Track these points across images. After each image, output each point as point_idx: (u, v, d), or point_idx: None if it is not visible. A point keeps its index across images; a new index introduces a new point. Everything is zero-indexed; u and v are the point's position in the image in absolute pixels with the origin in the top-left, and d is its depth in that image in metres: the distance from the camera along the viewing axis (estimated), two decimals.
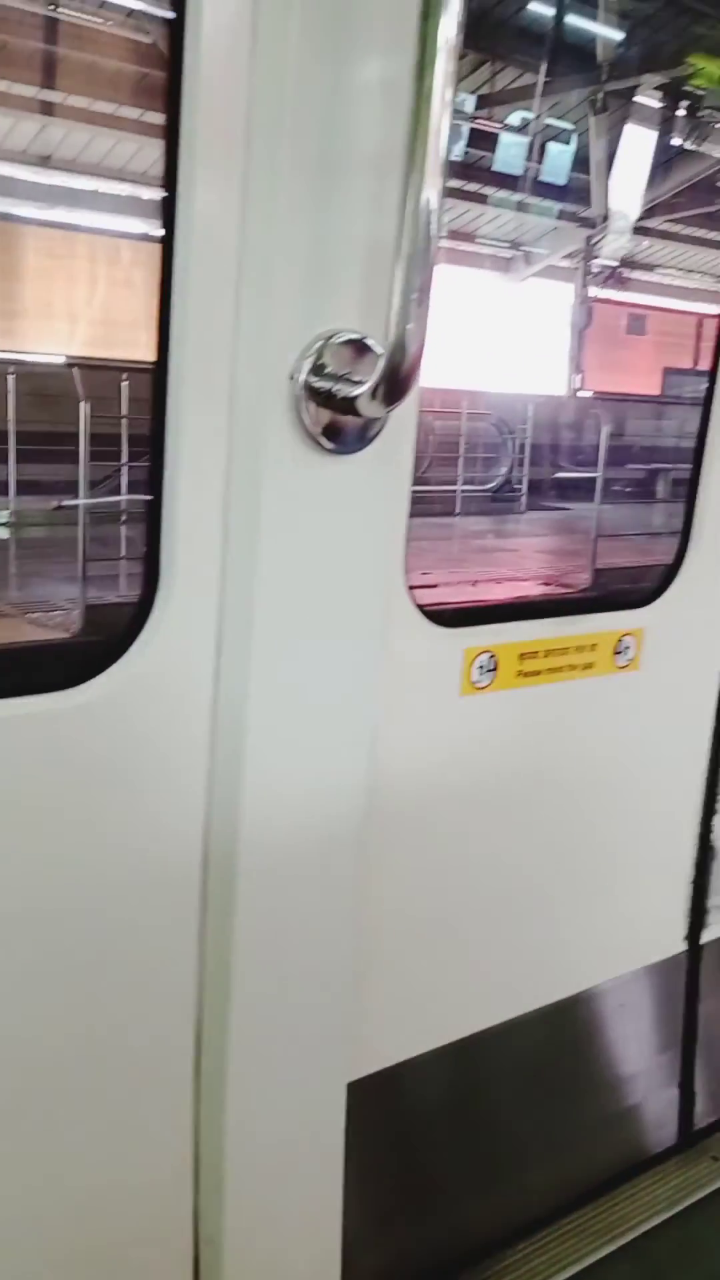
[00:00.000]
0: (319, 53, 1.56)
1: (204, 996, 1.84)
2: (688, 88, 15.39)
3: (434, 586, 9.96)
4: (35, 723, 1.62)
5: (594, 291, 22.49)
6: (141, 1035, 1.81)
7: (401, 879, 2.16)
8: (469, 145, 17.48)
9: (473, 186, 18.62)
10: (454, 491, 14.88)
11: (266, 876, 1.81)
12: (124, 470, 10.14)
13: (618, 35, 15.08)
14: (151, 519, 1.68)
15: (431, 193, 1.48)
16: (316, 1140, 2.01)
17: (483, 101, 16.99)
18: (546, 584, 11.61)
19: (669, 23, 15.06)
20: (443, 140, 1.47)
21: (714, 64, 14.53)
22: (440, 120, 1.46)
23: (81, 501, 8.10)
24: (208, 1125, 1.88)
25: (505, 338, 20.71)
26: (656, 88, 16.05)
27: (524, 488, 16.62)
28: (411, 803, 2.14)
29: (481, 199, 18.80)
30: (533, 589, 11.06)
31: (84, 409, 7.99)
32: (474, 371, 17.48)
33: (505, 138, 17.50)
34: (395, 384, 1.57)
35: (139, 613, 1.69)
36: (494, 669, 2.21)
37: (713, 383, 2.52)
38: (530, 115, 17.09)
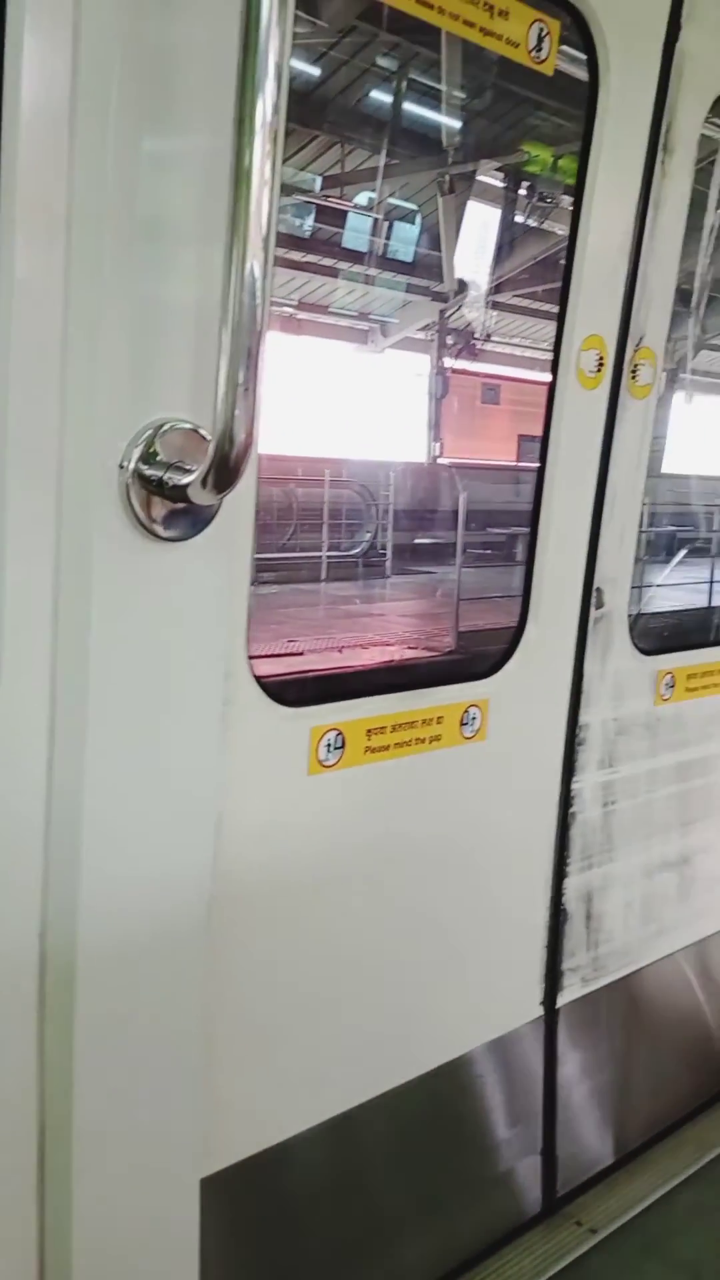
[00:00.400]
0: (139, 130, 1.57)
1: (45, 1097, 1.78)
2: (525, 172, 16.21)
3: (300, 654, 9.98)
4: None
5: (449, 362, 23.16)
6: None
7: (256, 964, 2.14)
8: (324, 223, 17.94)
9: (329, 261, 19.08)
10: (319, 558, 15.01)
11: (107, 972, 1.77)
12: None
13: (457, 124, 15.78)
14: None
15: (254, 270, 1.49)
16: (169, 1239, 1.95)
17: (334, 181, 17.48)
18: (412, 648, 11.74)
19: (505, 113, 15.80)
20: (264, 218, 1.48)
21: (545, 150, 15.31)
22: (260, 198, 1.47)
23: None
24: (54, 1230, 1.81)
25: (366, 407, 21.13)
26: (498, 169, 16.81)
27: (389, 553, 16.87)
28: (263, 886, 2.13)
29: (335, 274, 19.28)
30: (399, 653, 11.18)
31: None
32: (337, 440, 17.77)
33: (354, 216, 18.07)
34: (224, 472, 1.59)
35: None
36: (341, 746, 2.23)
37: (543, 462, 2.62)
38: (378, 200, 17.69)
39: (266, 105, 1.45)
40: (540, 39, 2.34)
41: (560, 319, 2.60)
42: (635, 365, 2.76)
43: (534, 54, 2.35)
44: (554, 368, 2.62)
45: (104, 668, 1.68)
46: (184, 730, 1.82)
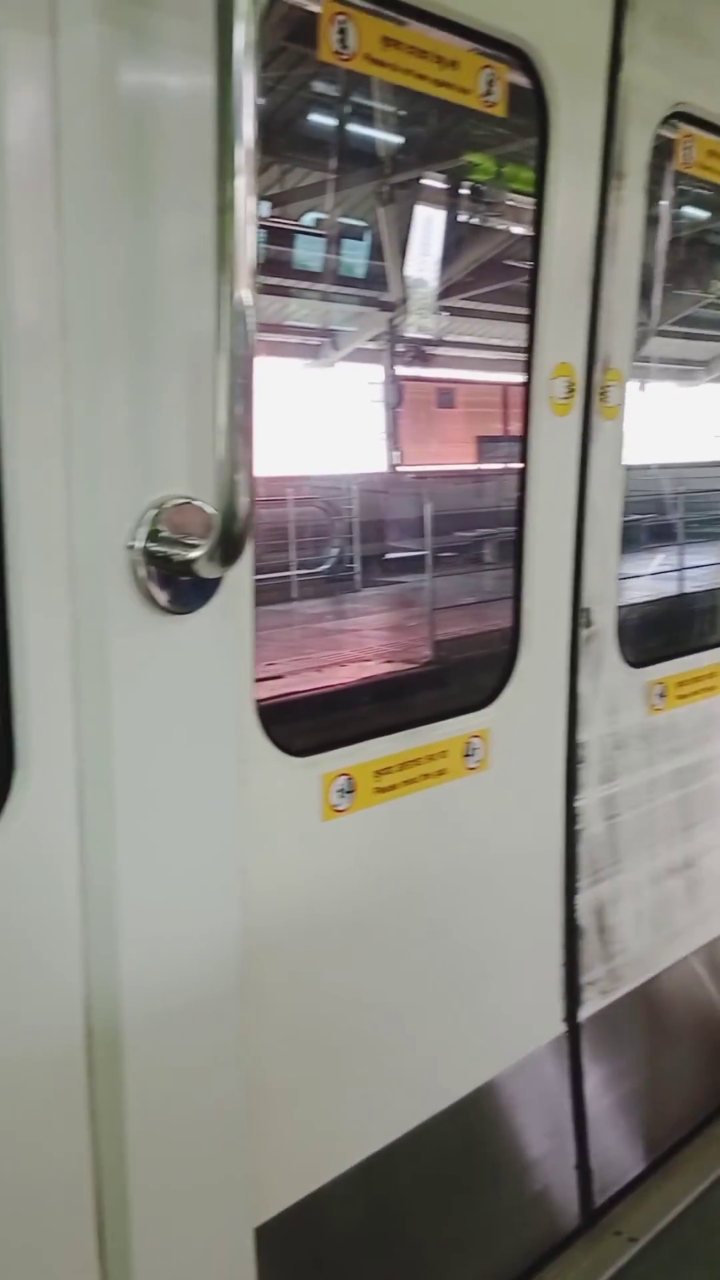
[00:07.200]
0: (124, 197, 1.61)
1: (100, 1163, 1.81)
2: (468, 180, 16.39)
3: (279, 677, 9.98)
4: None
5: (402, 370, 23.24)
6: (40, 1209, 1.77)
7: (283, 1012, 2.17)
8: (267, 243, 18.00)
9: (275, 281, 19.15)
10: (288, 578, 15.01)
11: (151, 1036, 1.79)
12: None
13: (393, 137, 15.90)
14: (1, 699, 1.68)
15: (245, 300, 1.53)
16: None
17: (274, 200, 17.57)
18: (389, 661, 11.77)
19: (442, 123, 15.93)
20: (249, 251, 1.52)
21: (488, 160, 15.52)
22: (245, 231, 1.51)
23: None
24: None
25: (322, 421, 21.19)
26: (441, 178, 16.96)
27: (357, 566, 16.89)
28: (286, 936, 2.16)
29: (284, 293, 19.35)
30: (378, 668, 11.20)
31: None
32: (296, 457, 17.81)
33: (298, 233, 18.17)
34: (230, 546, 1.63)
35: None
36: (352, 790, 2.27)
37: (523, 491, 2.67)
38: (321, 214, 17.76)
39: (245, 144, 1.50)
40: (490, 84, 2.40)
41: (529, 350, 2.66)
42: (604, 387, 2.82)
43: (485, 98, 2.41)
44: (525, 398, 2.67)
45: (126, 741, 1.71)
46: (205, 792, 1.85)
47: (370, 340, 22.75)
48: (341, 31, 2.07)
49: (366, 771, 2.30)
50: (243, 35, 1.46)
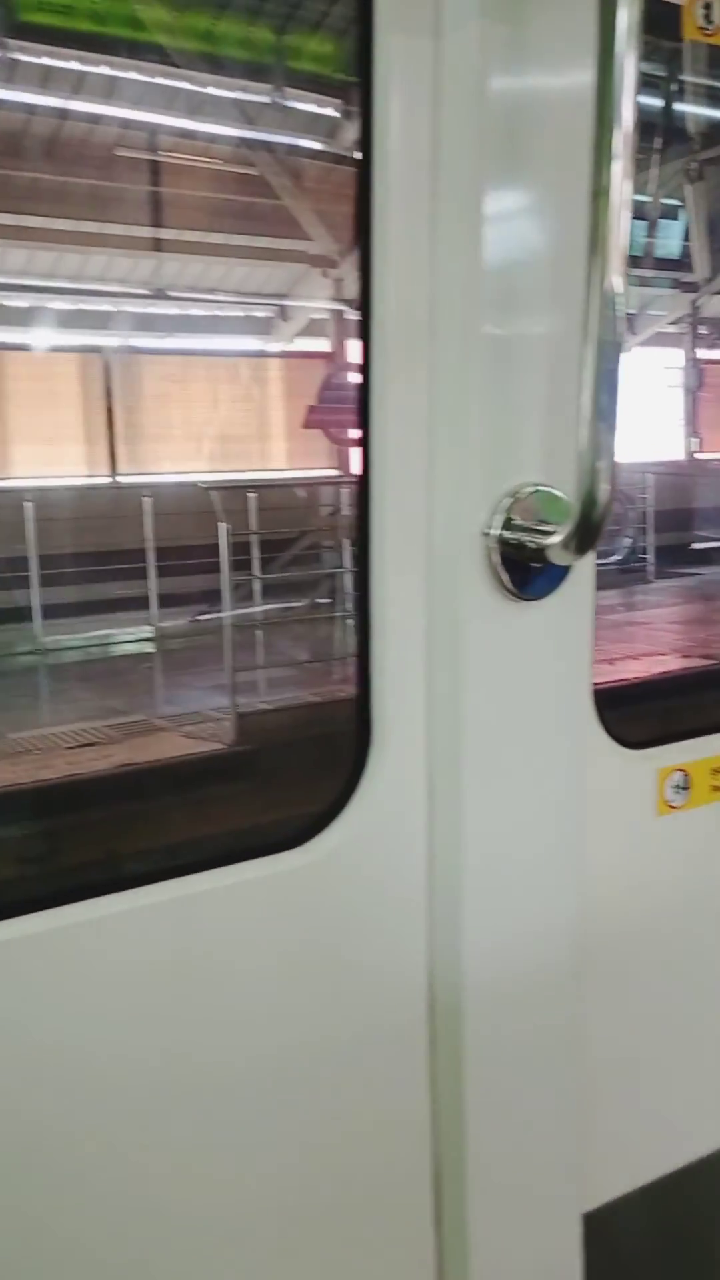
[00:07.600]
0: (496, 188, 1.63)
1: (439, 1137, 1.86)
2: None
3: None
4: (263, 885, 1.70)
5: (703, 353, 22.34)
6: (379, 1179, 1.84)
7: (613, 1005, 2.15)
8: None
9: None
10: None
11: (491, 1016, 1.83)
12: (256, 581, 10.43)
13: (708, 111, 15.26)
14: (361, 680, 1.76)
15: (615, 286, 1.50)
16: (557, 1275, 1.99)
17: None
18: (686, 655, 11.39)
19: None
20: (623, 241, 1.50)
21: None
22: (619, 219, 1.49)
23: (227, 614, 8.33)
24: (452, 1269, 1.89)
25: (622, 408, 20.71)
26: None
27: (650, 557, 16.44)
28: (618, 927, 2.14)
29: None
30: (676, 662, 10.86)
31: (223, 529, 8.28)
32: None
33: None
34: (588, 534, 1.62)
35: (354, 770, 1.76)
36: (687, 787, 2.21)
37: None
38: (642, 198, 17.28)
39: (624, 128, 1.47)
40: None
41: None
42: None
43: None
44: None
45: (475, 723, 1.75)
46: (549, 778, 1.86)
47: (671, 323, 22.00)
48: (706, 7, 2.02)
49: (703, 768, 2.24)
50: (625, 19, 1.45)
